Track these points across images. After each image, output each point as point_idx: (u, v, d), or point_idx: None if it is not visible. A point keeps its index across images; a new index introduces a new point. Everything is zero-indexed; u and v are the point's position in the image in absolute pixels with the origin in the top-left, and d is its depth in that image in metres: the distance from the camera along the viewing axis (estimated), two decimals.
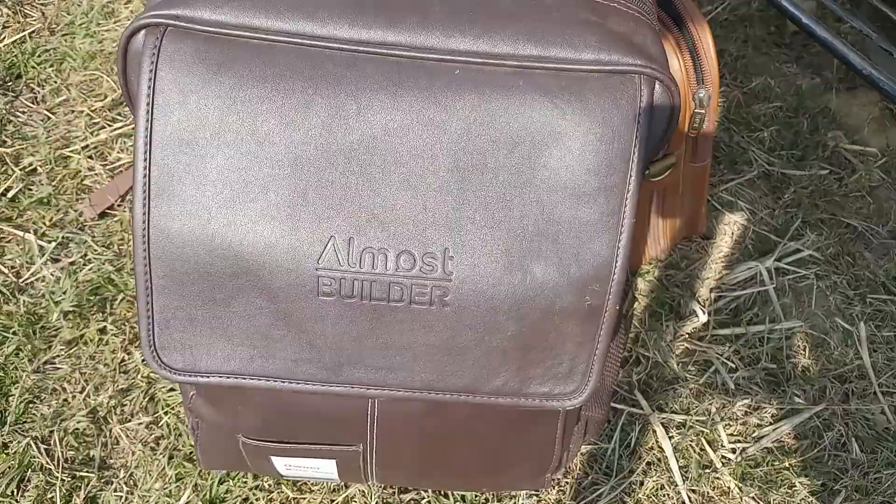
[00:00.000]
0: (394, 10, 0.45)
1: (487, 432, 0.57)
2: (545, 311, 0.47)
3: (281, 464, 0.59)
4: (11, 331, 0.79)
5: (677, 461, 0.76)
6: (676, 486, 0.75)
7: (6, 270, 0.83)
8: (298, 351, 0.48)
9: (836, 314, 0.86)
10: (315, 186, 0.45)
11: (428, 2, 0.45)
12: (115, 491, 0.72)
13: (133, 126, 0.67)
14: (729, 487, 0.75)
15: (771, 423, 0.79)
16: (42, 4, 1.05)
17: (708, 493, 0.75)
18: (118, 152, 0.91)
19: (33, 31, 1.02)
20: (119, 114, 0.95)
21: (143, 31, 0.44)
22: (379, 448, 0.57)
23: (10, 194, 0.88)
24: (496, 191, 0.45)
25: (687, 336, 0.84)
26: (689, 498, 0.75)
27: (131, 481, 0.73)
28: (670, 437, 0.77)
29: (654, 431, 0.78)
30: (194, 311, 0.48)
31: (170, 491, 0.72)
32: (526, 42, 0.44)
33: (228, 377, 0.49)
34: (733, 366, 0.82)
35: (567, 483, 0.74)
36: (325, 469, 0.59)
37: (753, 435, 0.78)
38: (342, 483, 0.71)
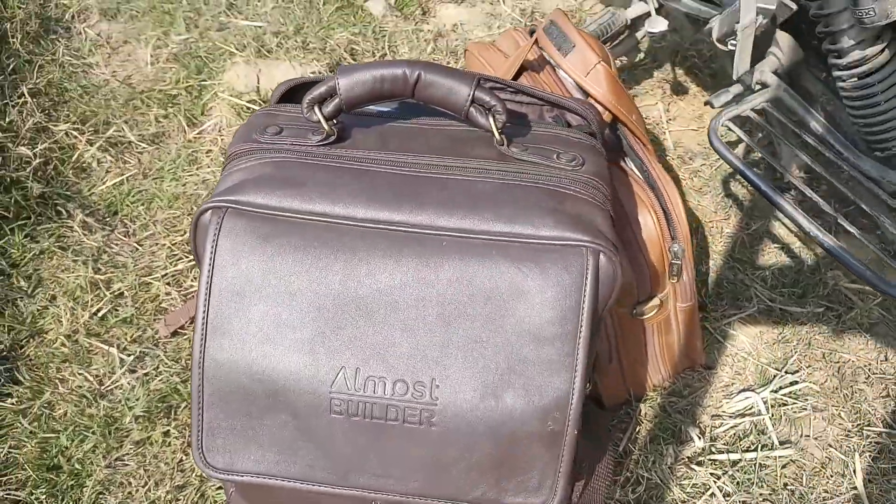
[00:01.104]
0: (398, 197, 0.58)
1: None
2: (514, 434, 0.57)
3: None
4: (91, 430, 0.92)
5: None
6: None
7: (91, 378, 0.98)
8: (314, 459, 0.60)
9: (833, 446, 0.91)
10: (332, 328, 0.57)
11: (424, 190, 0.59)
12: None
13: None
14: None
15: None
16: (139, 152, 1.25)
17: None
18: (192, 281, 1.07)
19: (130, 175, 1.21)
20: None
21: (209, 212, 0.58)
22: None
23: (100, 314, 1.04)
24: (474, 334, 0.57)
25: (686, 460, 0.90)
26: None
27: None
28: None
29: None
30: (234, 423, 0.60)
31: None
32: (497, 222, 0.57)
33: (259, 477, 0.61)
34: (729, 490, 0.88)
35: None
36: None
37: None
38: None
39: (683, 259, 0.79)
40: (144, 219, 1.15)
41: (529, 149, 0.64)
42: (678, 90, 1.33)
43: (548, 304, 0.56)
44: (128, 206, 1.17)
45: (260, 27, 1.43)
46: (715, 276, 1.07)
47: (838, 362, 0.98)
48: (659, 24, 1.03)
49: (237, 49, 1.37)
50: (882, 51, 0.76)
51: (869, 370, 0.97)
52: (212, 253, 0.57)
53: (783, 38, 0.87)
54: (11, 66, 1.31)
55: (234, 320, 0.58)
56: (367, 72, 0.60)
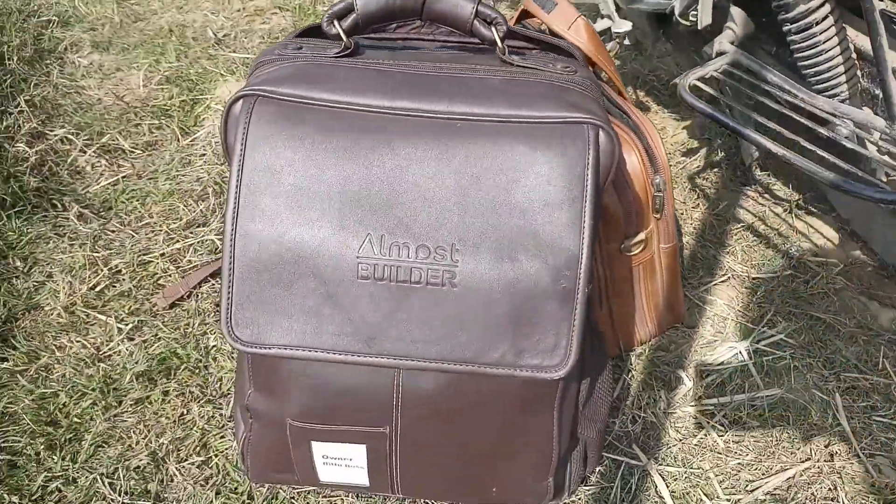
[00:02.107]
0: (415, 89, 0.64)
1: (494, 417, 0.67)
2: (529, 292, 0.61)
3: (319, 455, 0.70)
4: (90, 388, 0.92)
5: None
6: None
7: (88, 345, 0.98)
8: (341, 326, 0.62)
9: (814, 388, 0.96)
10: (358, 201, 0.62)
11: (439, 85, 0.65)
12: None
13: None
14: None
15: (762, 478, 0.87)
16: (133, 158, 1.29)
17: None
18: (189, 258, 1.09)
19: (125, 176, 1.25)
20: (191, 232, 1.14)
21: (240, 101, 0.64)
22: (402, 432, 0.67)
23: (97, 289, 1.05)
24: (489, 202, 0.62)
25: (678, 404, 0.94)
26: None
27: None
28: (668, 487, 0.85)
29: (653, 481, 0.86)
30: (263, 294, 0.62)
31: None
32: (506, 107, 0.63)
33: (285, 349, 0.63)
34: (722, 428, 0.91)
35: None
36: (357, 460, 0.69)
37: (746, 488, 0.86)
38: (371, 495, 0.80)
39: (665, 192, 0.86)
40: (140, 212, 1.18)
41: (529, 59, 0.71)
42: (640, 107, 1.44)
43: (555, 174, 0.62)
44: (122, 202, 1.20)
45: (247, 57, 1.51)
46: (689, 253, 1.14)
47: (810, 320, 1.04)
48: (623, 25, 1.14)
49: (227, 73, 1.45)
50: (822, 4, 0.87)
51: (838, 327, 1.03)
52: (244, 135, 0.62)
53: (737, 13, 0.98)
54: (8, 82, 1.36)
55: (265, 196, 0.62)
56: None
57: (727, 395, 0.95)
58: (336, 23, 0.69)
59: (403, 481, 0.72)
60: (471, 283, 0.61)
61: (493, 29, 0.70)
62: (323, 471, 0.72)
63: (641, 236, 0.88)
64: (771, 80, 0.93)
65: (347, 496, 0.82)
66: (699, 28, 0.94)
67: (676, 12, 0.97)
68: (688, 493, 0.85)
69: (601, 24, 1.25)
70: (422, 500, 0.81)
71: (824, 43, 0.88)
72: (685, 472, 0.87)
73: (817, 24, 0.88)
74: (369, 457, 0.70)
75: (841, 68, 0.90)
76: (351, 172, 0.62)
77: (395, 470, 0.71)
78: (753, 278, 1.10)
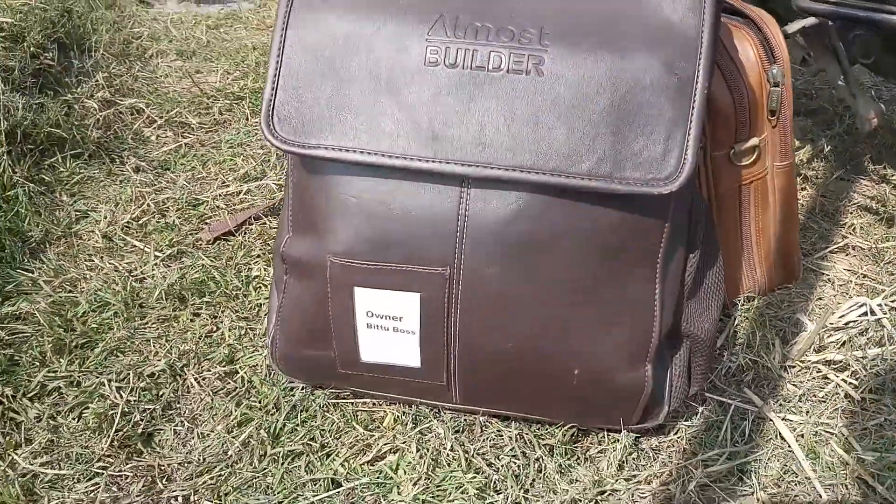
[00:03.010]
0: None
1: (581, 259, 0.54)
2: (636, 83, 0.50)
3: (363, 311, 0.57)
4: (114, 300, 0.82)
5: (805, 455, 0.65)
6: (805, 474, 0.64)
7: (121, 268, 0.89)
8: (399, 122, 0.52)
9: None
10: None
11: None
12: (176, 426, 0.68)
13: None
14: (869, 485, 0.63)
15: None
16: (201, 132, 1.25)
17: (844, 488, 0.63)
18: (241, 199, 1.01)
19: (187, 144, 1.20)
20: (247, 182, 1.07)
21: None
22: (466, 276, 0.54)
23: (140, 221, 0.97)
24: None
25: (797, 355, 0.77)
26: (823, 492, 0.63)
27: (194, 421, 0.69)
28: (794, 433, 0.67)
29: (775, 428, 0.69)
30: (313, 83, 0.53)
31: (231, 429, 0.67)
32: None
33: (332, 150, 0.52)
34: (855, 383, 0.74)
35: (674, 451, 0.64)
36: (408, 320, 0.56)
37: (893, 448, 0.67)
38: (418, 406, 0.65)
39: (782, 91, 0.74)
40: (198, 170, 1.12)
41: None
42: None
43: None
44: (181, 164, 1.14)
45: None
46: (801, 227, 1.00)
47: None
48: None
49: None
50: None
51: None
52: None
53: None
54: (89, 64, 1.37)
55: None
56: None
57: (859, 349, 0.77)
58: None
59: (462, 362, 0.58)
60: (563, 71, 0.51)
61: None
62: (365, 341, 0.59)
63: (754, 141, 0.75)
64: None
65: (392, 408, 0.68)
66: None
67: None
68: (817, 446, 0.67)
69: None
70: (479, 419, 0.66)
71: None
72: (810, 422, 0.69)
73: None
74: (423, 315, 0.56)
75: None
76: None
77: (453, 337, 0.57)
78: (878, 249, 0.94)
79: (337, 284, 0.57)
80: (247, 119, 1.28)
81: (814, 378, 0.75)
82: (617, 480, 0.63)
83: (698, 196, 0.62)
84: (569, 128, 0.50)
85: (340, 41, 0.53)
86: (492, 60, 0.51)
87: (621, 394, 0.59)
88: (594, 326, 0.56)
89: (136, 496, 0.62)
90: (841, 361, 0.76)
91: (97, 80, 1.31)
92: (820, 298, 0.86)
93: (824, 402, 0.72)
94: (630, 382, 0.58)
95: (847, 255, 0.94)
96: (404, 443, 0.65)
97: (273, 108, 0.53)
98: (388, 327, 0.57)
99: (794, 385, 0.74)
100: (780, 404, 0.72)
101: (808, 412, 0.71)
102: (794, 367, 0.76)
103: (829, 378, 0.75)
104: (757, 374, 0.75)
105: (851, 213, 1.03)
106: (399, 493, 0.62)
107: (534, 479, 0.63)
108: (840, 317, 0.82)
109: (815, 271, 0.91)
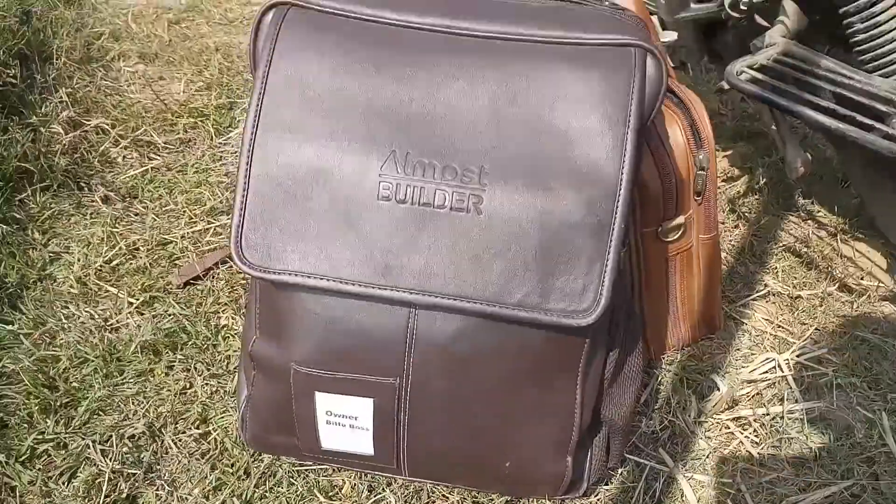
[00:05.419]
0: (454, 9, 0.62)
1: (512, 373, 0.62)
2: (562, 223, 0.57)
3: (323, 410, 0.65)
4: (93, 356, 0.88)
5: None
6: None
7: (96, 317, 0.95)
8: (355, 252, 0.58)
9: (858, 406, 0.89)
10: (385, 114, 0.59)
11: (480, 7, 0.63)
12: (157, 490, 0.76)
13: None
14: None
15: (799, 494, 0.79)
16: (166, 153, 1.29)
17: None
18: (209, 239, 1.07)
19: (154, 168, 1.24)
20: (214, 217, 1.12)
21: (273, 9, 0.62)
22: (413, 386, 0.62)
23: (112, 263, 1.02)
24: (524, 125, 0.58)
25: (710, 412, 0.87)
26: None
27: (173, 485, 0.77)
28: (696, 495, 0.78)
29: (680, 488, 0.79)
30: (277, 213, 0.59)
31: (207, 495, 0.75)
32: (550, 28, 0.61)
33: (296, 275, 0.59)
34: (757, 440, 0.84)
35: None
36: (363, 419, 0.64)
37: (782, 503, 0.78)
38: (372, 477, 0.74)
39: (708, 172, 0.82)
40: (165, 200, 1.16)
41: None
42: None
43: (597, 98, 0.58)
44: (149, 191, 1.19)
45: None
46: (727, 269, 1.09)
47: (854, 340, 0.97)
48: (668, 35, 1.13)
49: None
50: None
51: (885, 349, 0.96)
52: (272, 43, 0.60)
53: (790, 6, 0.96)
54: (52, 75, 1.38)
55: (288, 107, 0.59)
56: None
57: (763, 407, 0.88)
58: None
59: (410, 451, 0.67)
60: (498, 210, 0.58)
61: None
62: (325, 433, 0.67)
63: (680, 220, 0.84)
64: (825, 66, 0.90)
65: (350, 475, 0.76)
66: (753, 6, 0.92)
67: (726, 5, 0.95)
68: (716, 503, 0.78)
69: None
70: (426, 486, 0.75)
71: (885, 23, 0.85)
72: (715, 482, 0.80)
73: (877, 3, 0.85)
74: (375, 416, 0.64)
75: None
76: (380, 86, 0.59)
77: (401, 434, 0.65)
78: (795, 296, 1.04)
79: (300, 389, 0.64)
80: (211, 139, 1.32)
81: (722, 434, 0.85)
82: None
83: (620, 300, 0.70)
84: (503, 263, 0.58)
85: (302, 173, 0.59)
86: (437, 198, 0.58)
87: (546, 479, 0.68)
88: (523, 428, 0.65)
89: None
90: (746, 418, 0.87)
91: (61, 97, 1.33)
92: (738, 349, 0.96)
93: (728, 459, 0.83)
94: (553, 471, 0.67)
95: (767, 301, 1.04)
96: None
97: (241, 237, 0.59)
98: (346, 424, 0.66)
99: (705, 441, 0.84)
100: (691, 462, 0.82)
101: (713, 470, 0.81)
102: (706, 422, 0.86)
103: (734, 434, 0.85)
104: (673, 433, 0.85)
105: (776, 255, 1.12)
106: None
107: None
108: (751, 371, 0.92)
109: (736, 320, 1.00)
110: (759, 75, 0.91)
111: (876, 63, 0.89)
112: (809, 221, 1.19)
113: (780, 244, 1.14)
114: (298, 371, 0.64)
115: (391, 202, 0.58)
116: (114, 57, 1.58)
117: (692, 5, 1.09)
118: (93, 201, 1.14)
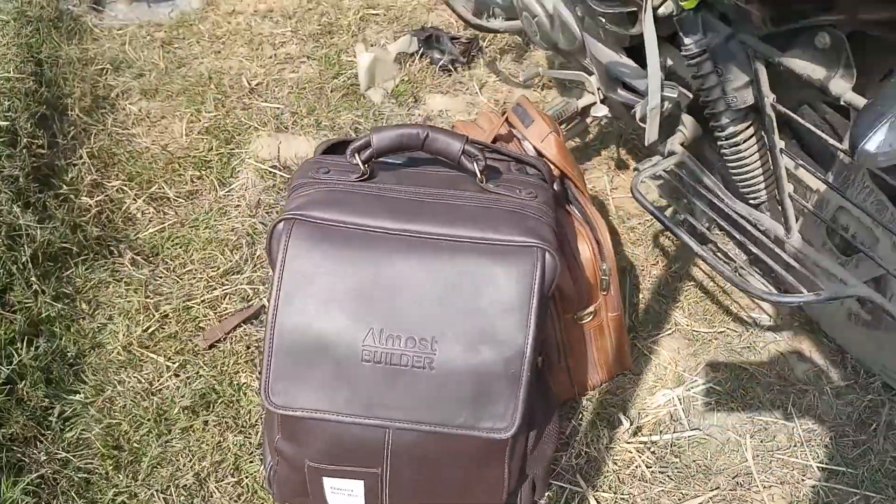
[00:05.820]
0: (412, 214, 0.85)
1: (458, 465, 0.90)
2: (488, 375, 0.83)
3: (329, 487, 0.92)
4: (146, 418, 1.15)
5: None
6: None
7: (143, 380, 1.21)
8: (348, 396, 0.84)
9: (730, 430, 1.17)
10: (366, 301, 0.83)
11: (429, 210, 0.86)
12: None
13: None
14: None
15: (678, 503, 1.09)
16: (177, 206, 1.51)
17: None
18: (226, 305, 1.32)
19: (170, 224, 1.47)
20: (227, 279, 1.36)
21: (282, 222, 0.85)
22: (391, 473, 0.90)
23: (149, 331, 1.27)
24: (462, 306, 0.83)
25: (618, 440, 1.16)
26: None
27: None
28: None
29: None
30: (291, 371, 0.85)
31: None
32: (477, 231, 0.85)
33: (308, 412, 0.85)
34: (650, 462, 1.13)
35: None
36: (357, 491, 0.92)
37: None
38: None
39: (610, 276, 1.07)
40: (183, 258, 1.40)
41: (501, 185, 0.92)
42: (620, 165, 1.64)
43: (511, 285, 0.83)
44: (168, 248, 1.42)
45: (278, 108, 1.73)
46: (644, 306, 1.36)
47: (738, 370, 1.25)
48: (601, 110, 1.34)
49: (259, 125, 1.67)
50: (748, 126, 1.07)
51: (760, 377, 1.24)
52: (284, 249, 0.84)
53: (687, 119, 1.18)
54: (71, 134, 1.58)
55: (298, 296, 0.84)
56: (393, 131, 0.89)
57: (657, 435, 1.17)
58: (357, 155, 0.91)
59: None
60: (445, 367, 0.83)
61: (475, 164, 0.91)
62: (331, 498, 0.95)
63: (591, 309, 1.10)
64: (706, 183, 1.14)
65: None
66: (646, 144, 1.14)
67: (637, 117, 1.17)
68: None
69: (585, 100, 1.45)
70: None
71: (748, 157, 1.09)
72: (616, 498, 1.09)
73: (744, 140, 1.08)
74: (366, 489, 0.92)
75: (760, 178, 1.11)
76: (362, 279, 0.84)
77: (384, 500, 0.93)
78: (694, 331, 1.31)
79: (312, 476, 0.92)
80: (216, 190, 1.54)
81: (625, 458, 1.14)
82: None
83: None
84: (449, 401, 0.84)
85: (310, 343, 0.84)
86: (402, 360, 0.84)
87: None
88: (469, 493, 0.93)
89: None
90: (644, 443, 1.15)
91: (82, 157, 1.54)
92: (645, 384, 1.24)
93: (629, 476, 1.12)
94: None
95: (673, 337, 1.31)
96: None
97: (269, 388, 0.85)
98: (346, 494, 0.93)
99: (612, 464, 1.13)
100: (599, 482, 1.11)
101: (615, 488, 1.10)
102: (614, 448, 1.15)
103: (635, 458, 1.14)
104: (588, 459, 1.13)
105: (686, 290, 1.38)
106: None
107: None
108: (654, 406, 1.21)
109: (646, 356, 1.28)
110: (654, 186, 1.15)
111: (741, 187, 1.13)
112: (718, 255, 1.45)
113: (691, 281, 1.40)
114: (311, 466, 0.91)
115: (371, 363, 0.84)
116: (118, 94, 1.76)
117: (619, 91, 1.30)
118: (122, 265, 1.37)
